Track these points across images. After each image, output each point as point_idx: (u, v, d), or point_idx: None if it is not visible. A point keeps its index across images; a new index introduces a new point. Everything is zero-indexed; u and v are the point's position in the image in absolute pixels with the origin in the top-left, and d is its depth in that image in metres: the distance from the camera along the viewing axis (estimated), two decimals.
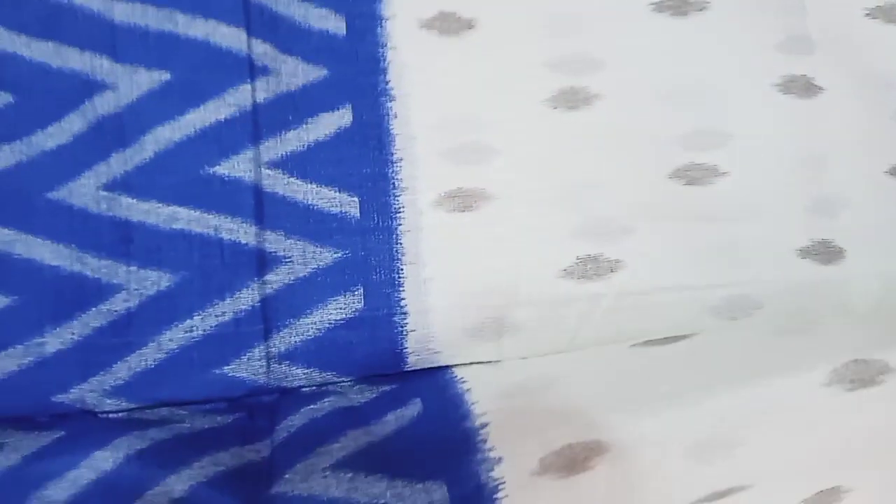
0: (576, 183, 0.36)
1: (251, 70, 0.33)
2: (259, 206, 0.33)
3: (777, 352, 0.33)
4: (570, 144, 0.37)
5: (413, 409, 0.32)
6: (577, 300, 0.35)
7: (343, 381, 0.34)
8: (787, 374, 0.31)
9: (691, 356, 0.33)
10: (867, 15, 0.40)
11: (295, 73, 0.34)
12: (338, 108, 0.35)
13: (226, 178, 0.33)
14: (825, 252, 0.37)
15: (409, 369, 0.34)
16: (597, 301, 0.35)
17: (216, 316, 0.32)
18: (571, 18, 0.37)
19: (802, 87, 0.38)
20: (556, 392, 0.32)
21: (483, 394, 0.32)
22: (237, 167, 0.33)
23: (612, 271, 0.36)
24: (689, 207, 0.37)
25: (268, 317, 0.33)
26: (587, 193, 0.36)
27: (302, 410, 0.32)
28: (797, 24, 0.39)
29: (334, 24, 0.35)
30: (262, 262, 0.33)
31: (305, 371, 0.33)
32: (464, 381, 0.34)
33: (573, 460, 0.29)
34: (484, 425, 0.30)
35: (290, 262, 0.33)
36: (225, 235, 0.32)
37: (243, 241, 0.32)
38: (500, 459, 0.29)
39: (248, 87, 0.33)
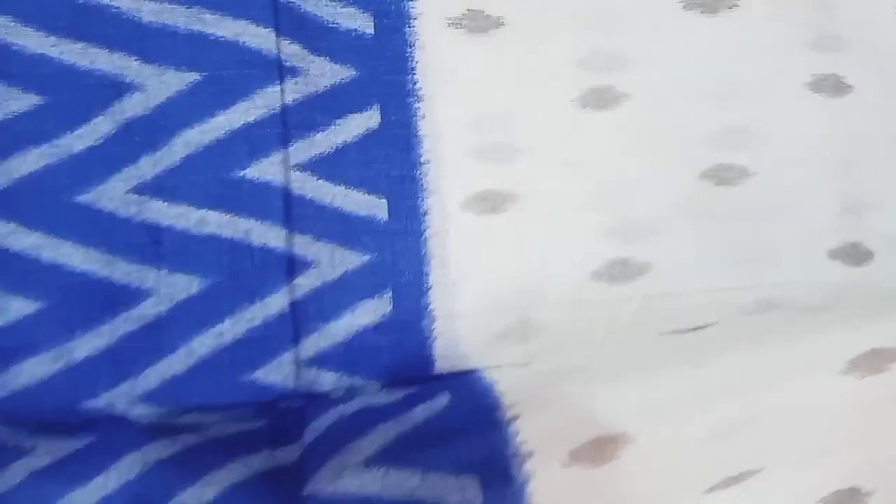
0: (605, 184, 0.36)
1: (280, 71, 0.33)
2: (288, 209, 0.33)
3: (797, 340, 0.33)
4: (598, 144, 0.36)
5: (441, 400, 0.32)
6: (606, 302, 0.35)
7: (370, 385, 0.34)
8: (806, 364, 0.31)
9: (716, 344, 0.33)
10: None
11: (323, 73, 0.34)
12: (366, 109, 0.34)
13: (255, 182, 0.32)
14: (854, 253, 0.37)
15: (436, 373, 0.34)
16: (626, 303, 0.35)
17: (246, 321, 0.32)
18: (600, 16, 0.37)
19: (833, 85, 0.38)
20: (584, 382, 0.32)
21: (510, 385, 0.32)
22: (266, 170, 0.32)
23: (641, 273, 0.36)
24: (720, 208, 0.36)
25: (297, 321, 0.32)
26: (616, 194, 0.36)
27: (330, 412, 0.32)
28: (827, 22, 0.38)
29: (362, 23, 0.35)
30: (292, 266, 0.33)
31: (334, 375, 0.33)
32: (490, 374, 0.33)
33: (602, 452, 0.29)
34: (515, 418, 0.30)
35: (318, 265, 0.33)
36: (255, 239, 0.32)
37: (273, 245, 0.32)
38: (531, 453, 0.29)
39: (278, 88, 0.33)
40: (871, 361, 0.31)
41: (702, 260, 0.36)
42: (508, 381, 0.32)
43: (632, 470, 0.29)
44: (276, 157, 0.33)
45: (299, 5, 0.34)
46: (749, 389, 0.31)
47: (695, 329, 0.35)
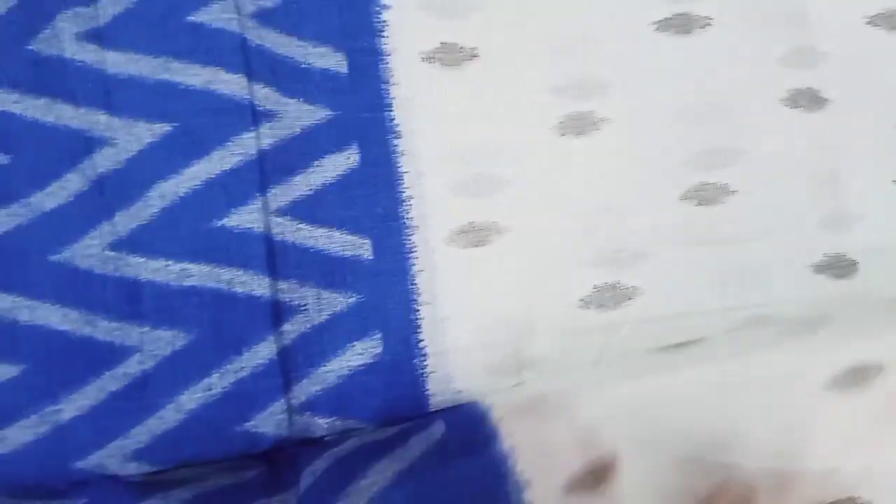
0: (587, 210, 0.36)
1: (254, 116, 0.33)
2: (271, 255, 0.32)
3: (783, 355, 0.33)
4: (579, 171, 0.36)
5: (436, 430, 0.32)
6: (596, 330, 0.35)
7: (365, 427, 0.33)
8: (790, 377, 0.32)
9: (701, 362, 0.34)
10: (869, 23, 0.39)
11: (298, 115, 0.34)
12: (344, 149, 0.34)
13: (235, 231, 0.32)
14: (839, 266, 0.37)
15: (432, 410, 0.34)
16: (616, 330, 0.35)
17: (234, 372, 0.31)
18: (574, 42, 0.37)
19: (809, 99, 0.38)
20: (578, 405, 0.32)
21: (506, 410, 0.32)
22: (246, 218, 0.32)
23: (629, 299, 0.36)
24: (703, 229, 0.36)
25: (286, 368, 0.32)
26: (600, 220, 0.36)
27: (324, 455, 0.32)
28: (801, 36, 0.39)
29: (335, 62, 0.34)
30: (278, 312, 0.32)
31: (327, 420, 0.33)
32: (485, 400, 0.33)
33: (597, 477, 0.30)
34: (512, 448, 0.30)
35: (305, 310, 0.33)
36: (238, 289, 0.31)
37: (257, 294, 0.32)
38: (529, 482, 0.29)
39: (253, 133, 0.32)
40: (854, 377, 0.31)
41: (688, 282, 0.36)
42: (503, 407, 0.32)
43: (627, 493, 0.30)
44: (255, 204, 0.32)
45: (270, 48, 0.34)
46: (733, 404, 0.31)
47: (681, 344, 0.35)
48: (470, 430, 0.31)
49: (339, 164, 0.34)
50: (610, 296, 0.35)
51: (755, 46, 0.38)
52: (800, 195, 0.37)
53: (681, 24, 0.38)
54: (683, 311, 0.36)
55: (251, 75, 0.33)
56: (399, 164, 0.34)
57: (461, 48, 0.36)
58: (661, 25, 0.37)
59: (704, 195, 0.37)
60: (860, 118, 0.39)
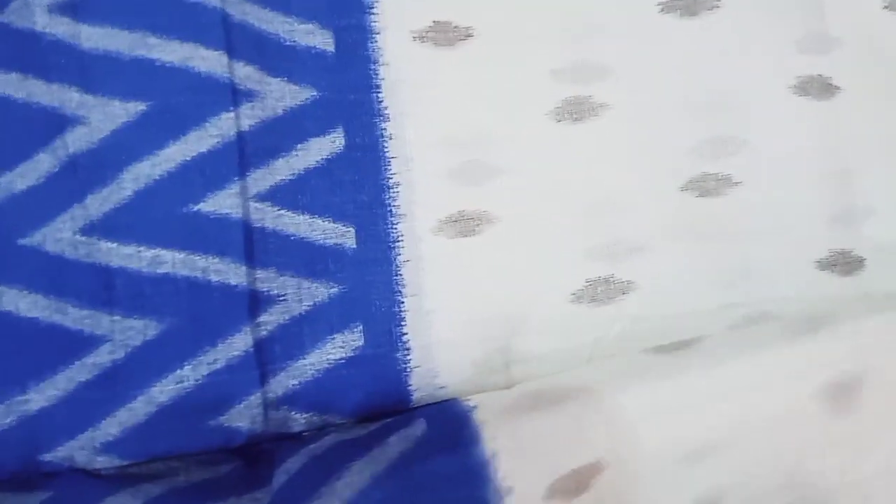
0: (583, 201, 0.34)
1: (234, 95, 0.31)
2: (249, 243, 0.31)
3: (776, 360, 0.32)
4: (575, 159, 0.35)
5: (417, 429, 0.31)
6: (588, 325, 0.34)
7: (345, 423, 0.32)
8: (782, 384, 0.31)
9: (694, 364, 0.32)
10: (886, 7, 0.37)
11: (281, 95, 0.32)
12: (329, 132, 0.32)
13: (212, 216, 0.30)
14: (844, 263, 0.36)
15: (414, 406, 0.33)
16: (609, 325, 0.34)
17: (208, 364, 0.30)
18: (574, 23, 0.35)
19: (819, 87, 0.36)
20: (563, 408, 0.31)
21: (490, 411, 0.31)
22: (224, 203, 0.30)
23: (624, 293, 0.34)
24: (703, 221, 0.35)
25: (263, 361, 0.31)
26: (595, 211, 0.34)
27: (301, 452, 0.31)
28: (813, 21, 0.37)
29: (322, 40, 0.33)
30: (255, 302, 0.31)
31: (305, 415, 0.31)
32: (468, 399, 0.32)
33: (579, 483, 0.29)
34: (494, 454, 0.29)
35: (284, 300, 0.31)
36: (213, 277, 0.30)
37: (233, 283, 0.30)
38: (510, 489, 0.28)
39: (232, 114, 0.31)
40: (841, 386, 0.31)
41: (686, 277, 0.34)
42: (488, 408, 0.31)
43: (608, 497, 0.29)
44: (233, 189, 0.31)
45: (253, 24, 0.32)
46: (728, 406, 0.30)
47: (677, 344, 0.33)
48: (452, 431, 0.30)
49: (323, 147, 0.32)
50: (603, 290, 0.34)
51: (764, 30, 0.36)
52: (806, 188, 0.36)
53: (687, 6, 0.36)
54: (679, 306, 0.34)
55: (232, 52, 0.31)
56: (386, 149, 0.33)
57: (455, 27, 0.34)
58: (666, 7, 0.36)
59: (706, 186, 0.35)
60: (873, 107, 0.37)
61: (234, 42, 0.31)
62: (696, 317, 0.34)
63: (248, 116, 0.31)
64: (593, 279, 0.34)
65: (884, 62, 0.37)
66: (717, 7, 0.36)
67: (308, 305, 0.32)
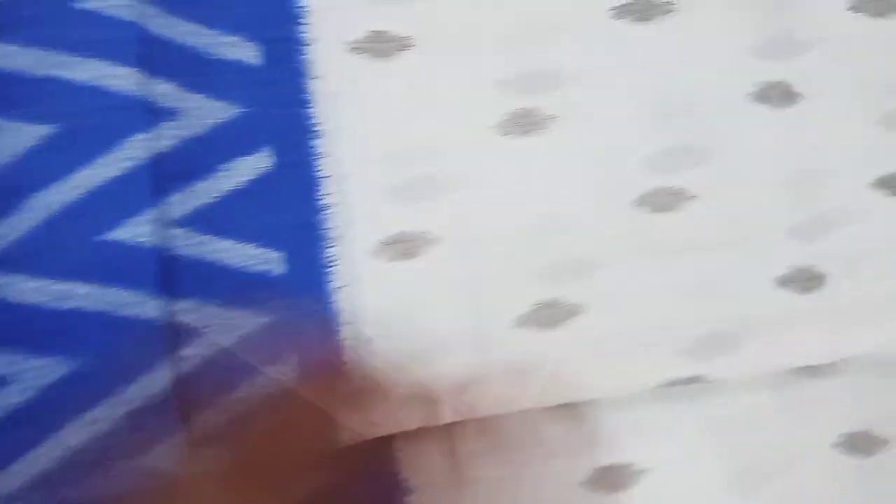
0: (530, 220, 0.32)
1: (151, 115, 0.29)
2: (165, 272, 0.29)
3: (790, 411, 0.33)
4: (523, 175, 0.33)
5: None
6: (536, 351, 0.32)
7: None
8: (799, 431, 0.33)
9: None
10: (851, 8, 0.36)
11: (203, 113, 0.30)
12: (256, 151, 0.30)
13: (124, 245, 0.28)
14: (805, 279, 0.34)
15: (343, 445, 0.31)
16: (556, 351, 0.32)
17: (124, 404, 0.28)
18: (520, 31, 0.33)
19: (780, 94, 0.34)
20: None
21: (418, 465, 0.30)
22: (137, 230, 0.28)
23: (573, 315, 0.32)
24: (656, 239, 0.33)
25: (185, 398, 0.29)
26: (543, 231, 0.32)
27: None
28: (775, 24, 0.35)
29: (248, 53, 0.31)
30: (175, 336, 0.29)
31: None
32: (408, 486, 0.31)
33: None
34: None
35: (207, 332, 0.29)
36: (127, 311, 0.28)
37: (149, 316, 0.28)
38: None
39: (148, 135, 0.29)
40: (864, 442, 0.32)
41: (637, 298, 0.33)
42: (415, 454, 0.30)
43: None
44: (148, 215, 0.29)
45: (173, 38, 0.30)
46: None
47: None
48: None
49: (249, 167, 0.30)
50: (551, 313, 0.32)
51: (722, 35, 0.34)
52: (765, 202, 0.34)
53: (641, 10, 0.34)
54: (631, 329, 0.32)
55: (149, 69, 0.29)
56: (319, 168, 0.31)
57: (393, 37, 0.32)
58: (618, 11, 0.34)
59: (660, 201, 0.33)
60: (837, 115, 0.35)
61: (151, 58, 0.29)
62: (647, 338, 0.32)
63: (166, 136, 0.29)
64: (541, 302, 0.32)
65: (849, 67, 0.35)
66: (672, 11, 0.34)
67: (234, 337, 0.30)
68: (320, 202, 0.31)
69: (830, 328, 0.34)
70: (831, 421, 0.34)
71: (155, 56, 0.29)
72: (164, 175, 0.29)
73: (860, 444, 0.34)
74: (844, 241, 0.35)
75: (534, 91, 0.33)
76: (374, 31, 0.32)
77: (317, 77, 0.31)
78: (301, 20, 0.31)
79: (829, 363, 0.35)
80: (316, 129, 0.31)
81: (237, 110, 0.30)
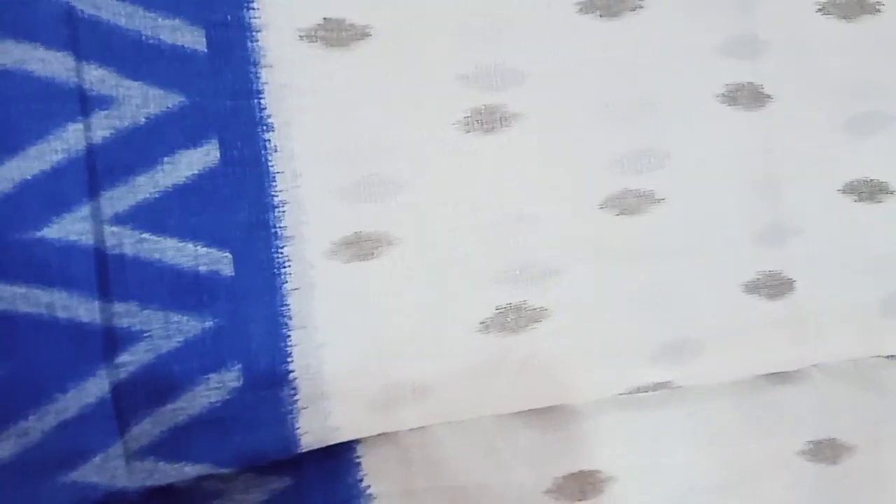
0: (492, 220, 0.31)
1: (83, 103, 0.27)
2: (103, 272, 0.27)
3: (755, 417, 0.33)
4: (485, 174, 0.31)
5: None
6: (498, 357, 0.31)
7: (225, 473, 0.29)
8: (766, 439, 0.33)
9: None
10: (819, 10, 0.35)
11: (143, 101, 0.28)
12: (201, 144, 0.28)
13: (58, 243, 0.26)
14: (772, 285, 0.33)
15: (304, 451, 0.29)
16: (518, 357, 0.31)
17: (56, 414, 0.26)
18: (485, 24, 0.31)
19: (749, 95, 0.34)
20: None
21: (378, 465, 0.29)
22: (72, 228, 0.26)
23: (536, 321, 0.31)
24: (622, 243, 0.32)
25: (122, 407, 0.27)
26: (506, 233, 0.31)
27: None
28: (744, 24, 0.34)
29: (191, 38, 0.29)
30: (112, 341, 0.27)
31: (175, 466, 0.28)
32: (370, 493, 0.29)
33: None
34: None
35: (148, 337, 0.27)
36: (61, 314, 0.26)
37: (84, 319, 0.26)
38: None
39: (80, 124, 0.27)
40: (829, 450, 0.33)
41: (602, 303, 0.32)
42: (377, 461, 0.29)
43: None
44: (82, 211, 0.27)
45: (107, 19, 0.28)
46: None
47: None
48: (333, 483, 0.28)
49: (194, 161, 0.28)
50: (513, 318, 0.31)
51: (690, 34, 0.33)
52: (733, 205, 0.33)
53: (607, 6, 0.33)
54: (594, 335, 0.31)
55: (80, 53, 0.27)
56: (270, 163, 0.29)
57: (349, 25, 0.30)
58: (584, 6, 0.32)
59: (627, 204, 0.32)
60: (804, 118, 0.34)
61: (82, 40, 0.27)
62: (611, 344, 0.32)
63: (101, 126, 0.27)
64: (503, 306, 0.31)
65: (817, 68, 0.35)
66: (640, 7, 0.33)
67: (177, 342, 0.28)
68: (271, 199, 0.29)
69: (797, 335, 0.34)
70: (797, 428, 0.34)
71: (87, 39, 0.27)
72: (101, 168, 0.27)
73: (826, 451, 0.34)
74: (810, 246, 0.34)
75: (498, 87, 0.31)
76: (328, 19, 0.30)
77: (267, 66, 0.29)
78: (249, 4, 0.29)
79: (795, 370, 0.35)
80: (266, 121, 0.29)
81: (179, 100, 0.28)
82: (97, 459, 0.27)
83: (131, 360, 0.27)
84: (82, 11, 0.27)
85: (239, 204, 0.29)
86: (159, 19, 0.28)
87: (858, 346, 0.35)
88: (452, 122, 0.31)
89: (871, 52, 0.35)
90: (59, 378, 0.26)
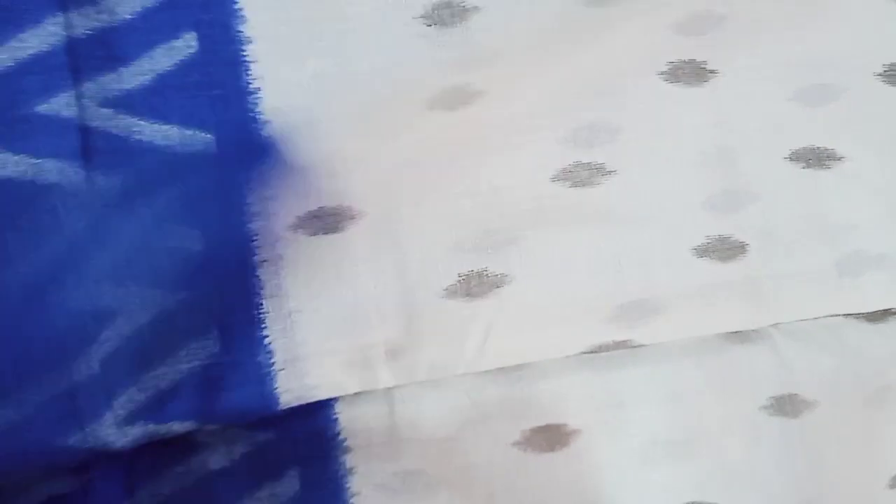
0: (454, 191, 0.33)
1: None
2: (88, 145, 0.29)
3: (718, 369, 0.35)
4: (447, 148, 0.33)
5: (290, 486, 0.31)
6: (463, 320, 0.33)
7: (210, 429, 0.31)
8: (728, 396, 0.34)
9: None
10: None
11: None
12: (179, 36, 0.31)
13: (48, 117, 0.29)
14: (723, 249, 0.35)
15: (283, 408, 0.31)
16: (484, 319, 0.33)
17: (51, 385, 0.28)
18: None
19: (692, 72, 0.36)
20: (447, 462, 0.32)
21: (367, 469, 0.31)
22: (61, 104, 0.29)
23: (498, 287, 0.33)
24: (575, 212, 0.34)
25: (110, 377, 0.29)
26: (466, 202, 0.33)
27: (166, 474, 0.29)
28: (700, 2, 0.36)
29: None
30: (97, 320, 0.29)
31: (163, 426, 0.30)
32: (346, 446, 0.31)
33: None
34: (351, 470, 0.31)
35: (124, 312, 0.30)
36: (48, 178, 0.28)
37: (71, 181, 0.29)
38: None
39: (59, 18, 0.29)
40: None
41: (560, 268, 0.34)
42: (365, 460, 0.31)
43: None
44: (70, 94, 0.29)
45: None
46: None
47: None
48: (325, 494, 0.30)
49: (173, 53, 0.31)
50: (476, 283, 0.33)
51: (637, 14, 0.36)
52: (685, 175, 0.35)
53: None
54: (554, 298, 0.33)
55: None
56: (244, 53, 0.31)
57: None
58: None
59: (579, 176, 0.34)
60: (749, 91, 0.36)
61: None
62: (571, 307, 0.33)
63: (80, 23, 0.29)
64: (465, 273, 0.33)
65: (762, 41, 0.36)
66: None
67: (151, 315, 0.30)
68: (248, 84, 0.31)
69: (752, 295, 0.35)
70: (758, 385, 0.35)
71: None
72: (82, 60, 0.29)
73: (787, 406, 0.35)
74: (761, 213, 0.36)
75: (465, 66, 0.33)
76: None
77: None
78: None
79: (754, 329, 0.36)
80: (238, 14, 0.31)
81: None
82: (88, 430, 0.29)
83: (112, 335, 0.29)
84: None
85: (218, 90, 0.31)
86: None
87: (816, 306, 0.36)
88: (423, 99, 0.33)
89: (821, 25, 0.37)
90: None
